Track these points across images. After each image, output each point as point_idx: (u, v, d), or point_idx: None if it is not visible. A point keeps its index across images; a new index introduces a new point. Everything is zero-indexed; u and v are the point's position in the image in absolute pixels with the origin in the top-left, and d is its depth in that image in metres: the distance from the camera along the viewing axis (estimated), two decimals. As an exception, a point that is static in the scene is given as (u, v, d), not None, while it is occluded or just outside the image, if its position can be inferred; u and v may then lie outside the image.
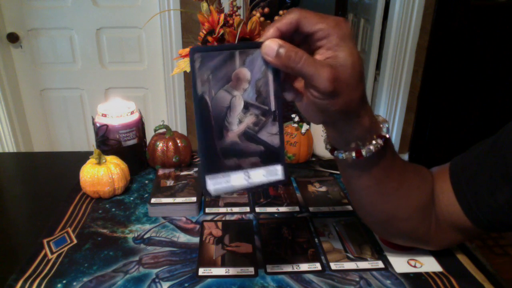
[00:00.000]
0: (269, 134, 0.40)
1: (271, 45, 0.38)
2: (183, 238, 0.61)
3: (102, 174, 0.69)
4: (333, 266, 0.55)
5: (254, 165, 0.40)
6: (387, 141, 0.44)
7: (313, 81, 0.38)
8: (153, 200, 0.67)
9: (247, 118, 0.39)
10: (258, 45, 0.38)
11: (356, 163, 0.45)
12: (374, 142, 0.43)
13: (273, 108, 0.40)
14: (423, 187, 0.50)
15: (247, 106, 0.39)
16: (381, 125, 0.44)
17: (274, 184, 0.42)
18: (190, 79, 2.14)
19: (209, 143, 0.38)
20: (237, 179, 0.40)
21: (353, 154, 0.44)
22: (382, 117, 0.45)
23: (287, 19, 0.38)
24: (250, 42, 0.38)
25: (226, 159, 0.39)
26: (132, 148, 0.78)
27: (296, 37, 0.40)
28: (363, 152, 0.43)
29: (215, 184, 0.39)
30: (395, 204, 0.49)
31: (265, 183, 0.41)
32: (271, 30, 0.39)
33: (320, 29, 0.38)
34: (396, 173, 0.48)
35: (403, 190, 0.48)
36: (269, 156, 0.41)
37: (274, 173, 0.41)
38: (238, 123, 0.39)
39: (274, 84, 0.40)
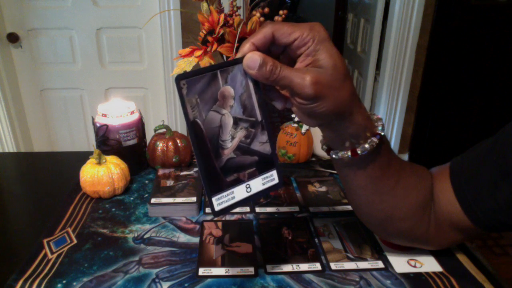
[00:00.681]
0: (261, 143, 0.42)
1: (254, 57, 0.38)
2: (183, 238, 0.61)
3: (102, 174, 0.69)
4: (333, 266, 0.55)
5: (252, 176, 0.42)
6: (382, 139, 0.45)
7: (294, 89, 0.38)
8: (153, 200, 0.67)
9: (238, 133, 0.41)
10: (238, 61, 0.40)
11: (352, 162, 0.45)
12: (369, 140, 0.43)
13: (259, 118, 0.42)
14: (421, 186, 0.50)
15: (236, 122, 0.41)
16: (376, 124, 0.45)
17: (272, 190, 0.44)
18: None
19: (209, 165, 0.39)
20: (240, 193, 0.41)
21: (349, 153, 0.44)
22: (377, 116, 0.46)
23: (261, 33, 0.39)
24: (230, 60, 0.39)
25: (227, 176, 0.41)
26: (132, 148, 0.78)
27: (275, 50, 0.41)
28: (359, 151, 0.43)
29: (222, 203, 0.40)
30: (392, 203, 0.49)
31: (264, 190, 0.43)
32: (247, 45, 0.39)
33: (296, 38, 0.39)
34: (393, 172, 0.48)
35: (400, 188, 0.48)
36: (263, 164, 0.43)
37: (271, 179, 0.43)
38: (231, 140, 0.40)
39: (256, 95, 0.41)
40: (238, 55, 0.40)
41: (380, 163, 0.46)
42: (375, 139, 0.43)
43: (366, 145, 0.43)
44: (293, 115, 0.85)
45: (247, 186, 0.42)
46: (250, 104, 0.41)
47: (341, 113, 0.41)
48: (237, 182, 0.41)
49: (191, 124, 0.38)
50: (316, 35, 0.39)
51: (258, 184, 0.42)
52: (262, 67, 0.38)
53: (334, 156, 0.46)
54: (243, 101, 0.41)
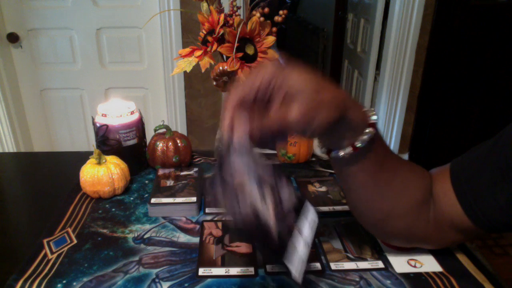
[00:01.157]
0: (285, 192, 0.42)
1: (242, 140, 0.39)
2: (183, 238, 0.61)
3: (102, 174, 0.69)
4: (333, 266, 0.55)
5: (298, 226, 0.42)
6: (376, 130, 0.45)
7: (287, 128, 0.39)
8: (153, 200, 0.66)
9: (266, 196, 0.41)
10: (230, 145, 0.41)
11: (351, 158, 0.46)
12: (365, 131, 0.44)
13: (271, 175, 0.42)
14: (418, 183, 0.50)
15: (261, 192, 0.41)
16: (369, 114, 0.45)
17: (316, 228, 0.44)
18: (190, 79, 2.14)
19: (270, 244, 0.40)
20: (302, 249, 0.41)
21: (350, 148, 0.44)
22: (368, 108, 0.46)
23: (229, 112, 0.40)
24: (225, 149, 0.41)
25: (284, 247, 0.41)
26: (132, 148, 0.78)
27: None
28: (358, 144, 0.44)
29: (300, 270, 0.41)
30: (391, 200, 0.49)
31: (313, 228, 0.43)
32: (227, 132, 0.40)
33: (260, 84, 0.40)
34: (390, 165, 0.48)
35: (398, 183, 0.49)
36: (297, 208, 0.43)
37: (307, 211, 0.44)
38: (267, 204, 0.41)
39: (257, 161, 0.42)
40: (225, 140, 0.41)
41: (377, 156, 0.46)
42: (371, 129, 0.44)
43: (364, 137, 0.44)
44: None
45: (304, 239, 0.42)
46: (259, 174, 0.42)
47: (337, 120, 0.41)
48: (297, 241, 0.41)
49: (246, 223, 0.39)
50: (273, 68, 0.40)
51: (306, 228, 0.43)
52: (253, 139, 0.40)
53: (336, 155, 0.46)
54: (253, 173, 0.42)
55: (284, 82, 0.39)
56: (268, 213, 0.40)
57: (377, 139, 0.46)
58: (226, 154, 0.40)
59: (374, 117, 0.44)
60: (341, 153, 0.45)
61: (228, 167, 0.40)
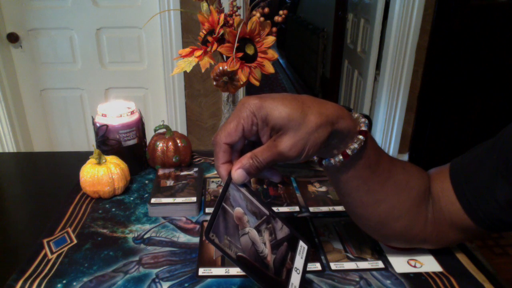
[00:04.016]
0: (280, 230, 0.45)
1: (240, 174, 0.41)
2: (183, 238, 0.61)
3: (102, 174, 0.69)
4: (333, 266, 0.55)
5: (293, 258, 0.44)
6: (367, 136, 0.45)
7: (281, 160, 0.41)
8: (153, 200, 0.67)
9: (265, 236, 0.43)
10: (228, 184, 0.42)
11: (343, 166, 0.46)
12: (355, 139, 0.44)
13: (267, 212, 0.45)
14: (413, 184, 0.50)
15: (258, 230, 0.43)
16: (359, 121, 0.45)
17: (308, 259, 0.45)
18: (190, 79, 2.14)
19: (268, 280, 0.41)
20: (296, 280, 0.43)
21: (340, 156, 0.44)
22: (359, 114, 0.46)
23: (221, 152, 0.42)
24: (223, 188, 0.43)
25: (281, 276, 0.42)
26: (132, 148, 0.78)
27: (239, 146, 0.44)
28: (349, 151, 0.44)
29: None
30: (385, 203, 0.49)
31: (305, 262, 0.45)
32: (221, 171, 0.43)
33: (242, 128, 0.41)
34: (382, 167, 0.48)
35: (391, 186, 0.49)
36: (291, 243, 0.45)
37: (302, 248, 0.45)
38: (265, 246, 0.43)
39: (254, 197, 0.44)
40: (223, 180, 0.43)
41: (369, 161, 0.46)
42: (361, 137, 0.44)
43: (355, 145, 0.44)
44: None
45: (296, 271, 0.43)
46: (256, 208, 0.44)
47: (327, 134, 0.42)
48: (289, 273, 0.43)
49: (240, 262, 0.39)
50: (253, 110, 0.41)
51: (299, 262, 0.44)
52: (250, 175, 0.41)
53: (327, 164, 0.46)
54: (250, 210, 0.43)
55: (267, 117, 0.40)
56: (264, 241, 0.43)
57: (369, 145, 0.46)
58: (224, 188, 0.42)
59: (365, 124, 0.45)
60: (332, 162, 0.45)
61: (228, 199, 0.42)
